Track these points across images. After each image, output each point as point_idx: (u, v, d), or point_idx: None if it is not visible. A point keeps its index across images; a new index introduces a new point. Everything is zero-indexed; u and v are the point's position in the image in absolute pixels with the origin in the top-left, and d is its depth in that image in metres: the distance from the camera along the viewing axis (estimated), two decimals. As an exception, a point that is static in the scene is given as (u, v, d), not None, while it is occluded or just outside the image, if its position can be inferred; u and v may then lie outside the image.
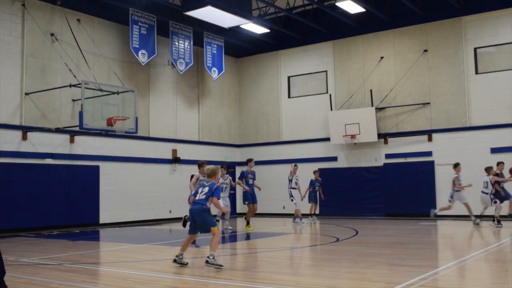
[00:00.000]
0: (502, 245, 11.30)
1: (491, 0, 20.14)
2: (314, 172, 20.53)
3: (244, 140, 26.06)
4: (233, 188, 18.67)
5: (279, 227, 17.55)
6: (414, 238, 13.70)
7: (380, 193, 22.00)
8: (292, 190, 18.78)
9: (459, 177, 16.82)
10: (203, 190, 8.90)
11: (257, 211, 24.01)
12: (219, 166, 9.56)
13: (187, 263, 8.86)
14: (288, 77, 25.01)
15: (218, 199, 8.92)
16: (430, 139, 21.06)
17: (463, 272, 8.07)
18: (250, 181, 16.91)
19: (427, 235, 14.61)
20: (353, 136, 21.99)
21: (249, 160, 17.19)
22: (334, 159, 23.14)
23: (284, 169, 21.42)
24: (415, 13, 21.30)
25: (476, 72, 20.48)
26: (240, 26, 21.89)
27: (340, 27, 23.21)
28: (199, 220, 8.74)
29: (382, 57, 22.42)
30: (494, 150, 19.60)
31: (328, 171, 22.86)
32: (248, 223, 16.87)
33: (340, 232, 15.61)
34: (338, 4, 20.06)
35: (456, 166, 17.08)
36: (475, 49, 20.58)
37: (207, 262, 8.38)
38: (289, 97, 24.95)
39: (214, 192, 8.79)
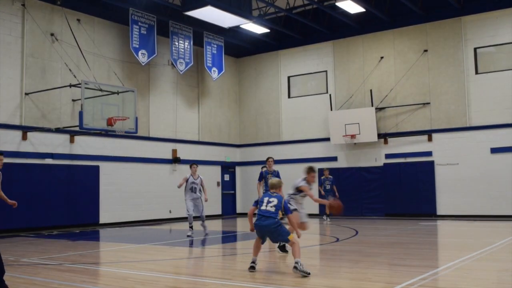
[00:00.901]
0: (502, 245, 11.30)
1: (491, 0, 20.14)
2: (324, 171, 20.48)
3: (244, 140, 26.06)
4: (232, 187, 18.23)
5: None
6: (414, 238, 13.70)
7: (380, 193, 22.00)
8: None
9: None
10: (271, 201, 8.25)
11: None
12: (280, 180, 8.77)
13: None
14: (288, 77, 25.01)
15: (291, 213, 8.43)
16: (430, 139, 21.06)
17: (463, 272, 8.06)
18: None
19: (427, 235, 14.61)
20: (353, 136, 21.99)
21: (267, 159, 14.88)
22: (334, 159, 23.14)
23: (285, 169, 21.34)
24: (415, 13, 21.30)
25: (476, 72, 20.49)
26: (240, 26, 21.90)
27: (340, 27, 23.21)
28: (273, 234, 8.22)
29: (382, 57, 22.42)
30: (494, 150, 19.61)
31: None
32: None
33: (340, 232, 15.61)
34: (338, 4, 20.06)
35: None
36: (475, 49, 20.58)
37: (295, 268, 7.77)
38: (289, 97, 24.96)
39: (285, 208, 8.32)
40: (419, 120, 21.41)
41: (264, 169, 14.55)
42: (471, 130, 20.29)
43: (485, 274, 7.96)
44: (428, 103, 21.22)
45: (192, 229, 14.58)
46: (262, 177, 14.41)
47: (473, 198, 20.02)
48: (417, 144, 21.35)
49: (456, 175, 20.41)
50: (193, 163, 15.23)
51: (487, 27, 20.38)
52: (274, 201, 8.22)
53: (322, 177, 20.42)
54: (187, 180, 14.67)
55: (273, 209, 8.17)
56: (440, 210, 20.64)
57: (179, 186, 14.76)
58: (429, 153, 21.02)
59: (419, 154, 21.17)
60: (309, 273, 7.70)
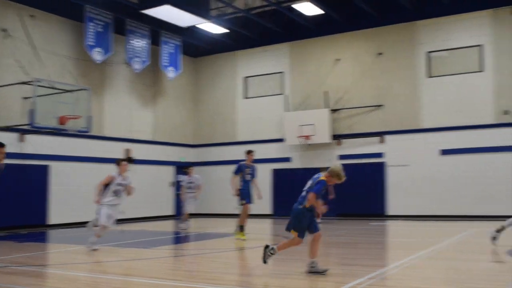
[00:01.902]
0: (449, 244, 11.60)
1: (445, 5, 20.61)
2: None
3: (199, 140, 25.95)
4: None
5: (232, 228, 17.56)
6: (365, 238, 13.93)
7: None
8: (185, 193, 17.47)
9: None
10: (308, 183, 7.93)
11: (208, 212, 23.90)
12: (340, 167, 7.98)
13: (324, 271, 7.87)
14: (245, 78, 25.05)
15: (317, 194, 7.75)
16: (382, 141, 21.45)
17: (411, 270, 8.25)
18: (248, 177, 13.57)
19: (377, 235, 14.88)
20: (307, 137, 22.18)
21: (249, 152, 13.83)
22: (289, 159, 23.29)
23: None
24: (371, 17, 21.62)
25: (429, 76, 20.97)
26: (198, 25, 21.81)
27: (298, 29, 23.36)
28: (291, 217, 8.00)
29: (338, 59, 22.70)
30: (443, 152, 20.15)
31: (282, 172, 23.04)
32: (241, 229, 13.48)
33: (293, 232, 15.69)
34: (295, 6, 20.21)
35: None
36: (428, 53, 21.07)
37: (265, 250, 7.99)
38: (245, 97, 25.00)
39: (314, 186, 7.76)
40: (373, 122, 21.76)
41: (243, 162, 13.72)
42: (422, 132, 20.75)
43: (432, 273, 8.17)
44: (382, 105, 21.60)
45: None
46: (240, 171, 13.53)
47: (422, 199, 20.47)
48: (370, 146, 21.68)
49: (407, 176, 20.83)
50: (120, 159, 12.20)
51: (440, 32, 20.87)
52: (309, 183, 7.99)
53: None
54: (112, 180, 11.43)
55: (304, 193, 7.98)
56: (391, 211, 21.03)
57: (100, 189, 11.59)
58: (381, 155, 21.40)
59: (371, 155, 21.52)
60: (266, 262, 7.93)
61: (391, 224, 18.41)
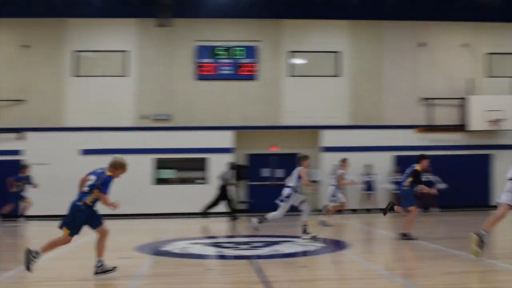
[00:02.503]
0: (85, 242, 11.74)
1: (95, 8, 20.83)
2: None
3: None
4: None
5: None
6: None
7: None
8: None
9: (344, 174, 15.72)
10: (89, 178, 7.56)
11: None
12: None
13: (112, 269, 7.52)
14: None
15: (107, 194, 7.46)
16: (22, 138, 20.51)
17: (40, 272, 8.10)
18: None
19: (10, 237, 14.18)
20: None
21: None
22: None
23: None
24: (18, 6, 20.47)
25: (75, 75, 20.99)
26: None
27: None
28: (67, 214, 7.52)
29: (-26, 46, 20.86)
30: (85, 152, 20.39)
31: None
32: None
33: None
34: None
35: (343, 161, 15.75)
36: (75, 52, 21.06)
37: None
38: None
39: (102, 185, 7.41)
40: (13, 117, 20.65)
41: None
42: (65, 131, 20.65)
43: (62, 272, 8.27)
44: (24, 101, 20.68)
45: None
46: None
47: (62, 198, 20.14)
48: (8, 142, 20.47)
49: (48, 175, 20.24)
50: None
51: (89, 33, 21.18)
52: (92, 178, 7.58)
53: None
54: None
55: (86, 189, 7.56)
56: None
57: None
58: (20, 152, 20.41)
59: (9, 152, 20.30)
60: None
61: (28, 225, 17.66)
